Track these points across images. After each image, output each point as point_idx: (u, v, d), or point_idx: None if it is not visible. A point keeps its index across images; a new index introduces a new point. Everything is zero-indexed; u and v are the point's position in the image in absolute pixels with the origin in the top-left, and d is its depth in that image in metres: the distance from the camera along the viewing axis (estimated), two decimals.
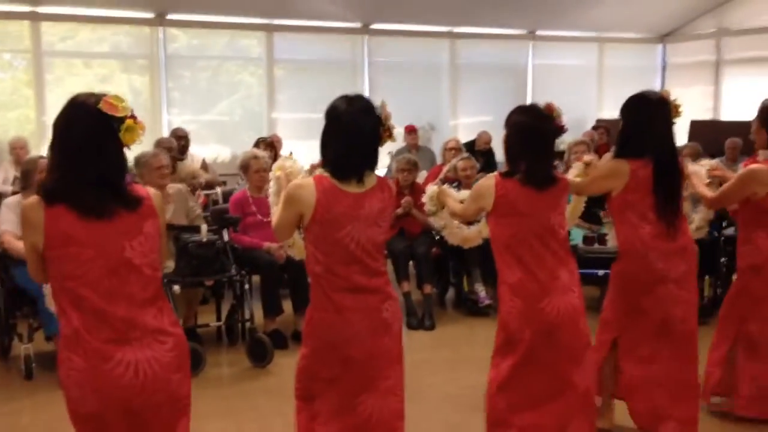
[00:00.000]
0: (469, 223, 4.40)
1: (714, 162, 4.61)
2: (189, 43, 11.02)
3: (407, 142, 9.62)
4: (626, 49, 13.76)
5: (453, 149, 7.98)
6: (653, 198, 3.82)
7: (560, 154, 7.62)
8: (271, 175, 3.63)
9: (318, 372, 3.07)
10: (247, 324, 5.72)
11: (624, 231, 3.92)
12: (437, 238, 6.48)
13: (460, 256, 6.63)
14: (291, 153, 3.92)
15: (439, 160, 8.87)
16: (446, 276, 7.23)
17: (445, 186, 4.42)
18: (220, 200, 7.57)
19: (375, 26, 11.70)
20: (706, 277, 6.49)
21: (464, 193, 4.23)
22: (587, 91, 13.37)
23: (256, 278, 6.16)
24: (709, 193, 4.36)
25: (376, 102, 3.11)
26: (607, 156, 4.03)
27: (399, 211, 6.61)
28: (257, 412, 4.71)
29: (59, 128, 2.56)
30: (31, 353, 5.23)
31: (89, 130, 2.52)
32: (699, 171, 4.41)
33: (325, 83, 11.06)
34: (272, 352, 5.46)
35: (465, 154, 7.33)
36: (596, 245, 6.22)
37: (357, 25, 11.59)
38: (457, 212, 4.03)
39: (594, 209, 5.92)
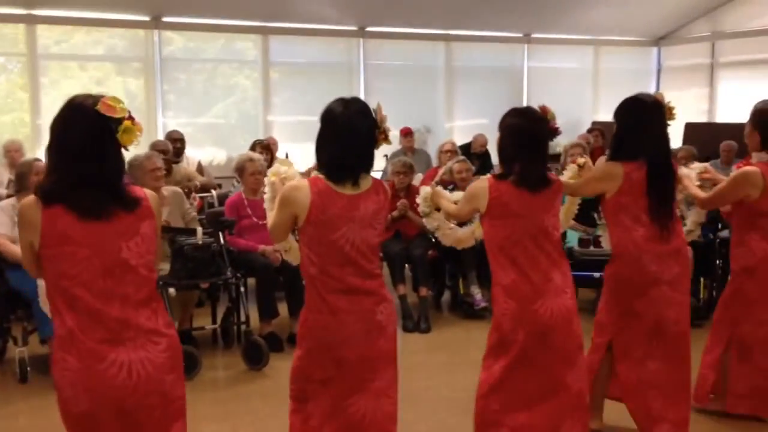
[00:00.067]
0: (462, 224, 4.41)
1: (703, 165, 4.63)
2: (184, 46, 11.01)
3: (403, 145, 9.62)
4: (621, 52, 13.80)
5: (449, 152, 7.98)
6: (647, 200, 3.82)
7: (556, 157, 7.64)
8: (266, 180, 3.63)
9: (312, 373, 3.07)
10: (243, 327, 5.72)
11: (617, 233, 3.93)
12: (433, 240, 6.48)
13: (456, 258, 6.63)
14: (287, 155, 3.92)
15: (434, 163, 8.88)
16: (442, 279, 7.22)
17: (439, 187, 4.42)
18: (216, 203, 7.55)
19: (371, 29, 11.72)
20: (701, 280, 6.51)
21: (458, 194, 4.23)
22: (583, 94, 13.41)
23: (251, 281, 6.15)
24: (702, 194, 4.37)
25: (372, 105, 3.12)
26: (602, 159, 4.04)
27: (395, 213, 6.61)
28: (253, 415, 4.70)
29: (57, 130, 2.56)
30: (26, 356, 5.22)
31: (87, 132, 2.52)
32: (689, 174, 4.42)
33: (320, 86, 11.08)
34: (268, 354, 5.45)
35: (461, 157, 7.33)
36: (592, 247, 6.23)
37: (353, 27, 11.60)
38: (450, 213, 4.04)
39: (589, 211, 5.92)
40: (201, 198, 7.55)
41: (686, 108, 11.90)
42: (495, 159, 8.75)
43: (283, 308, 6.07)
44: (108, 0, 9.80)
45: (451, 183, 6.60)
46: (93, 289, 2.48)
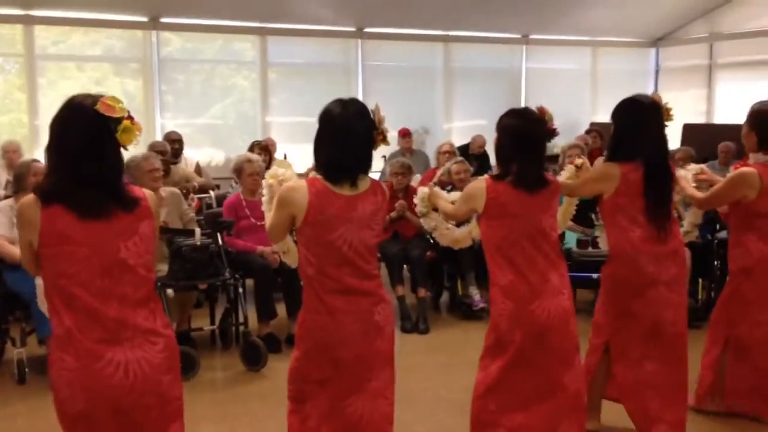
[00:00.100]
0: (460, 224, 4.41)
1: (699, 166, 4.63)
2: (182, 47, 11.01)
3: (401, 146, 9.62)
4: (620, 53, 13.80)
5: (447, 153, 7.99)
6: (644, 201, 3.83)
7: (554, 158, 7.64)
8: (264, 183, 3.64)
9: (309, 374, 3.08)
10: (241, 328, 5.72)
11: (614, 234, 3.93)
12: (431, 241, 6.48)
13: (454, 259, 6.63)
14: (285, 156, 3.92)
15: (433, 164, 8.88)
16: (441, 279, 7.22)
17: (436, 187, 4.43)
18: (214, 204, 7.55)
19: (369, 30, 11.71)
20: (700, 281, 6.52)
21: (455, 194, 4.23)
22: (581, 95, 13.41)
23: (249, 282, 6.15)
24: (698, 194, 4.38)
25: (370, 105, 3.12)
26: (600, 160, 4.04)
27: (393, 214, 6.61)
28: (251, 415, 4.69)
29: (56, 129, 2.57)
30: (24, 357, 5.21)
31: (86, 132, 2.53)
32: (686, 175, 4.43)
33: (319, 87, 11.07)
34: (266, 355, 5.45)
35: (459, 158, 7.34)
36: (590, 249, 6.24)
37: (351, 28, 11.60)
38: (448, 213, 4.04)
39: (587, 212, 5.92)
40: (199, 199, 7.54)
41: (684, 109, 11.90)
42: (493, 160, 8.74)
43: (281, 309, 6.07)
44: (106, 1, 9.80)
45: (449, 184, 6.60)
46: (91, 288, 2.49)
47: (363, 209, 3.01)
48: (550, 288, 3.54)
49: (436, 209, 4.24)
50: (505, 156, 3.61)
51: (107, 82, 10.36)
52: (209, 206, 7.53)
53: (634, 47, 13.91)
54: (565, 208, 4.30)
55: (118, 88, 10.31)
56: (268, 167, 6.89)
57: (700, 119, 13.08)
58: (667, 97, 4.10)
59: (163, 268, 5.31)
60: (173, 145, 8.10)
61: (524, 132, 3.57)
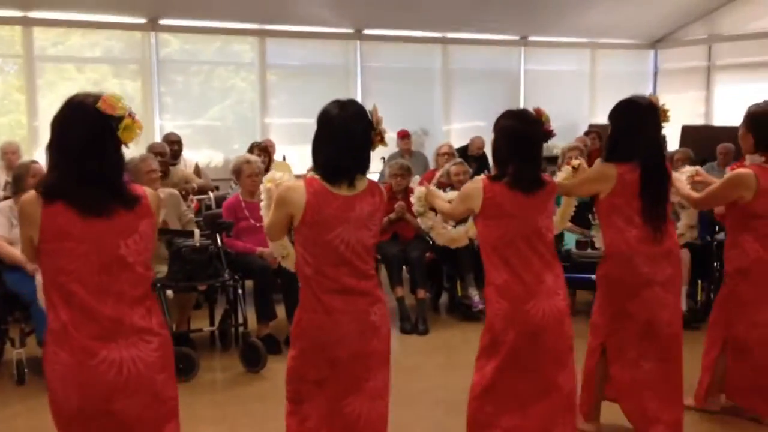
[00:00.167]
0: (458, 224, 4.42)
1: (695, 168, 4.64)
2: (181, 48, 11.00)
3: (400, 147, 9.62)
4: (618, 55, 13.82)
5: (446, 154, 8.00)
6: (640, 202, 3.84)
7: (553, 159, 7.65)
8: (262, 187, 3.65)
9: (306, 373, 3.09)
10: (241, 329, 5.71)
11: (610, 234, 3.94)
12: (431, 242, 6.48)
13: (453, 260, 6.64)
14: (284, 157, 3.92)
15: (432, 165, 8.88)
16: (440, 281, 7.22)
17: (433, 187, 4.44)
18: (213, 205, 7.55)
19: (368, 32, 11.71)
20: (699, 282, 6.52)
21: (452, 194, 4.24)
22: (579, 97, 13.42)
23: (249, 283, 6.15)
24: (694, 194, 4.39)
25: (369, 107, 3.13)
26: (599, 161, 4.06)
27: (392, 215, 6.62)
28: (250, 417, 4.69)
29: (58, 128, 2.58)
30: (24, 358, 5.21)
31: (88, 130, 2.54)
32: (680, 178, 4.43)
33: (317, 88, 11.06)
34: (265, 356, 5.45)
35: (458, 159, 7.34)
36: (589, 250, 6.24)
37: (350, 30, 11.60)
38: (444, 212, 4.04)
39: (585, 213, 5.92)
40: (198, 200, 7.55)
41: (683, 111, 11.92)
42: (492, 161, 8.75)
43: (280, 310, 6.07)
44: (105, 2, 9.79)
45: (448, 185, 6.61)
46: (89, 285, 2.50)
47: (361, 209, 3.03)
48: (545, 288, 3.55)
49: (433, 209, 4.25)
50: (502, 157, 3.62)
51: (106, 83, 10.33)
52: (208, 207, 7.54)
53: (632, 49, 13.92)
54: (564, 209, 4.31)
55: (117, 90, 10.19)
56: (267, 168, 6.94)
57: (699, 121, 13.09)
58: (666, 99, 4.11)
59: (163, 270, 5.31)
60: (172, 147, 8.10)
61: (521, 133, 3.58)
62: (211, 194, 7.87)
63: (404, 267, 6.84)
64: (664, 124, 3.99)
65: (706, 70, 13.45)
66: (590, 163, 4.22)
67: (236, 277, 5.65)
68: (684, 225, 4.80)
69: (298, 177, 3.63)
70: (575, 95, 13.31)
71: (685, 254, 6.07)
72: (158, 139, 9.16)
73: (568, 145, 7.22)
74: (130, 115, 2.58)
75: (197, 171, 8.52)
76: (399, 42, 12.05)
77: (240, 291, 5.70)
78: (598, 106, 13.17)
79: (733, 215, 4.35)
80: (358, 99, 3.41)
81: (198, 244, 5.31)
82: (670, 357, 3.97)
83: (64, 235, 2.48)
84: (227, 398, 5.02)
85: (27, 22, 9.77)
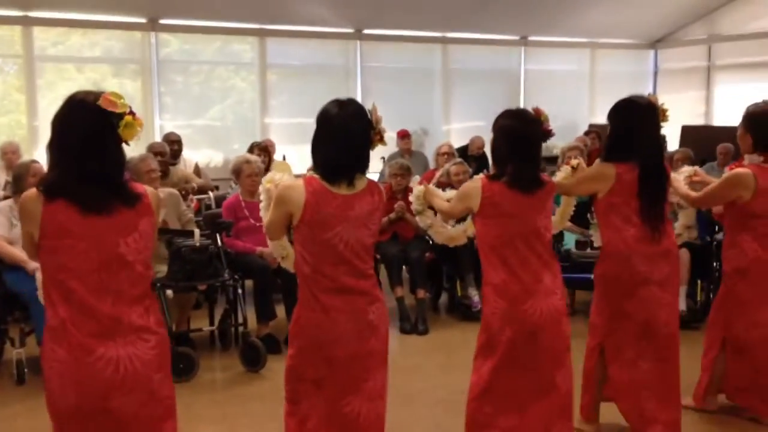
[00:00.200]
0: (457, 222, 4.42)
1: (693, 168, 4.64)
2: (181, 48, 11.00)
3: (400, 147, 9.62)
4: (618, 55, 13.82)
5: (446, 154, 8.00)
6: (638, 201, 3.84)
7: (553, 159, 7.65)
8: (261, 188, 3.65)
9: (304, 372, 3.09)
10: (240, 328, 5.71)
11: (608, 233, 3.95)
12: (430, 243, 6.48)
13: (453, 260, 6.64)
14: (284, 157, 3.92)
15: (432, 165, 8.88)
16: (440, 281, 7.23)
17: (431, 185, 4.44)
18: (213, 205, 7.55)
19: (368, 31, 11.72)
20: (699, 282, 6.52)
21: (450, 193, 4.24)
22: (579, 97, 13.43)
23: (249, 283, 6.16)
24: (693, 193, 4.39)
25: (369, 107, 3.13)
26: (598, 161, 4.06)
27: (392, 215, 6.62)
28: (250, 416, 4.69)
29: (58, 126, 2.58)
30: (23, 358, 5.21)
31: (89, 127, 2.55)
32: (677, 178, 4.43)
33: (317, 88, 11.06)
34: (265, 356, 5.45)
35: (458, 159, 7.34)
36: (589, 250, 6.24)
37: (350, 30, 11.61)
38: (443, 211, 4.05)
39: (585, 213, 5.93)
40: (198, 200, 7.55)
41: (683, 111, 11.93)
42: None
43: (280, 310, 6.07)
44: (105, 2, 9.79)
45: (448, 185, 6.60)
46: (88, 282, 2.50)
47: (360, 209, 3.03)
48: (543, 288, 3.55)
49: (432, 207, 4.25)
50: (501, 156, 3.62)
51: (106, 83, 10.31)
52: (208, 207, 7.54)
53: (632, 49, 13.92)
54: (563, 209, 4.31)
55: (117, 90, 10.15)
56: (267, 168, 6.94)
57: (699, 121, 13.10)
58: (666, 99, 4.11)
59: (163, 269, 5.31)
60: (172, 147, 8.10)
61: (520, 133, 3.58)
62: (210, 194, 7.87)
63: (404, 267, 6.84)
64: (663, 124, 4.00)
65: (706, 70, 13.46)
66: (590, 163, 4.23)
67: (236, 276, 5.65)
68: (681, 225, 4.80)
69: (297, 177, 3.63)
70: (575, 95, 13.32)
71: (685, 254, 6.07)
72: (158, 138, 9.15)
73: (567, 145, 7.22)
74: (131, 112, 2.59)
75: (197, 171, 8.52)
76: (399, 42, 12.05)
77: (240, 291, 5.70)
78: (597, 106, 13.17)
79: (731, 215, 4.35)
80: (358, 99, 3.40)
81: (198, 244, 5.32)
82: (667, 357, 3.97)
83: (64, 232, 2.48)
84: (227, 398, 5.03)
85: (27, 22, 9.78)
